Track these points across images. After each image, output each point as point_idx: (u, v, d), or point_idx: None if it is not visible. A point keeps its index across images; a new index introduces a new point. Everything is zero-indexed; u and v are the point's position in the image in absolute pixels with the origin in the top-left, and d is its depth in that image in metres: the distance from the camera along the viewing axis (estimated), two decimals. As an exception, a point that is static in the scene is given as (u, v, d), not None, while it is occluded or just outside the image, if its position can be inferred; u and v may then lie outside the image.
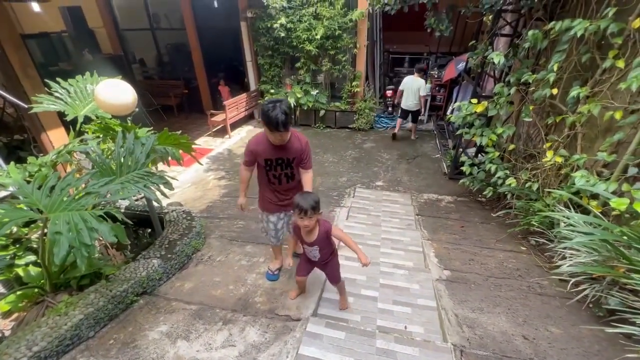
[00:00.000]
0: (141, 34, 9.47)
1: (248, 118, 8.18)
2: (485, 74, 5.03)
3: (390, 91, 7.54)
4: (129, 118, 2.77)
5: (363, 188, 4.88)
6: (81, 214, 1.89)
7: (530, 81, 3.36)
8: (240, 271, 2.93)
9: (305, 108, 7.30)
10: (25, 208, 2.01)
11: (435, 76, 7.59)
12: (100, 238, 2.47)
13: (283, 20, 6.58)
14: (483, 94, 4.53)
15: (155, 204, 2.77)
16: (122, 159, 2.40)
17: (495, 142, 3.80)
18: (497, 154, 3.74)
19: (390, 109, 7.71)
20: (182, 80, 8.82)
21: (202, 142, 7.04)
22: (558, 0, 3.36)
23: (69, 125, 3.04)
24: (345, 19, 6.54)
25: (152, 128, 3.19)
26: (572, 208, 2.80)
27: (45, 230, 2.03)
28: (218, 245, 3.35)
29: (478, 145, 3.98)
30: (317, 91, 7.29)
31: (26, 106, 2.74)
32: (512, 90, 3.53)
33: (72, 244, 1.77)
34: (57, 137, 3.83)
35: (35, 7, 7.11)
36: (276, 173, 2.36)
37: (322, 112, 7.36)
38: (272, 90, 7.55)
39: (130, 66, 9.43)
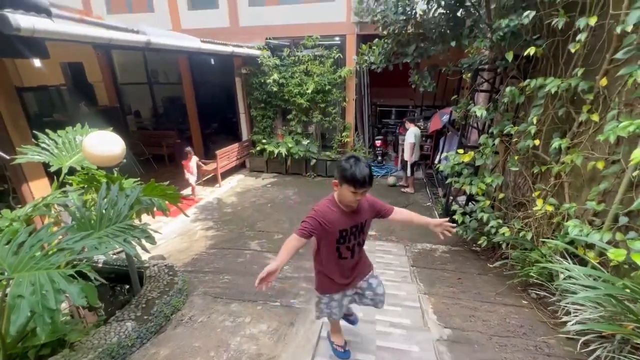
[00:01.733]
0: (138, 87, 9.86)
1: (240, 167, 8.23)
2: (469, 126, 5.28)
3: (379, 141, 7.79)
4: (116, 169, 2.72)
5: (355, 238, 4.75)
6: (49, 273, 1.73)
7: (512, 133, 3.50)
8: (224, 334, 2.67)
9: (297, 157, 7.41)
10: (-12, 267, 1.84)
11: (422, 127, 7.92)
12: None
13: (276, 76, 6.97)
14: (468, 144, 4.69)
15: (135, 259, 2.60)
16: (103, 211, 2.29)
17: (484, 190, 3.83)
18: (487, 202, 3.75)
19: (379, 158, 7.89)
20: (176, 131, 8.99)
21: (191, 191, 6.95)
22: (530, 61, 3.65)
23: (54, 176, 2.96)
24: (335, 75, 6.97)
25: (139, 179, 3.13)
26: (569, 258, 2.74)
27: (7, 292, 1.84)
28: (201, 303, 3.10)
29: (468, 193, 4.01)
30: (308, 141, 7.48)
31: (8, 157, 2.68)
32: (497, 141, 3.66)
33: (34, 308, 1.58)
34: (39, 188, 3.70)
35: (37, 62, 7.40)
36: (350, 245, 1.96)
37: (313, 161, 7.46)
38: (263, 140, 7.71)
39: (125, 117, 9.65)
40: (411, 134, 6.40)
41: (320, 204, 1.93)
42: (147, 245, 2.36)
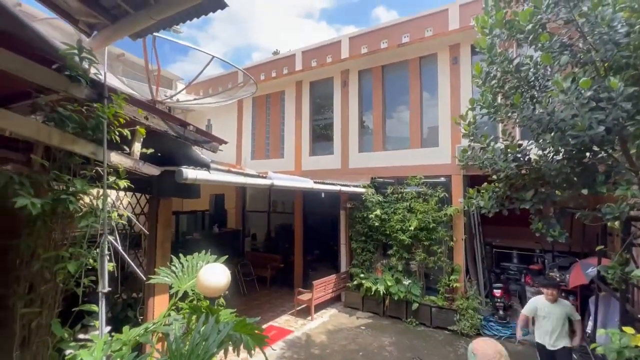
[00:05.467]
0: (260, 214, 11.54)
1: (334, 300, 7.87)
2: (633, 287, 3.95)
3: (499, 290, 6.49)
4: (218, 300, 2.90)
5: None
6: (128, 414, 1.71)
7: None
8: None
9: (396, 298, 6.70)
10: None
11: (557, 277, 6.38)
12: None
13: (378, 212, 7.17)
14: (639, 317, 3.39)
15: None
16: (194, 345, 2.33)
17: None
18: None
19: (501, 312, 6.41)
20: (280, 255, 9.65)
21: (283, 320, 6.80)
22: None
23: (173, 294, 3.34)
24: (440, 213, 6.73)
25: (235, 310, 3.23)
26: None
27: None
28: None
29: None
30: (410, 281, 6.83)
31: (144, 278, 3.22)
32: (692, 324, 2.52)
33: None
34: (160, 303, 4.21)
35: (195, 195, 9.70)
36: None
37: (415, 306, 6.57)
38: (362, 275, 7.41)
39: (244, 239, 11.10)
40: (564, 306, 4.21)
41: None
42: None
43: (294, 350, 5.45)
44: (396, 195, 7.40)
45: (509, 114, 3.81)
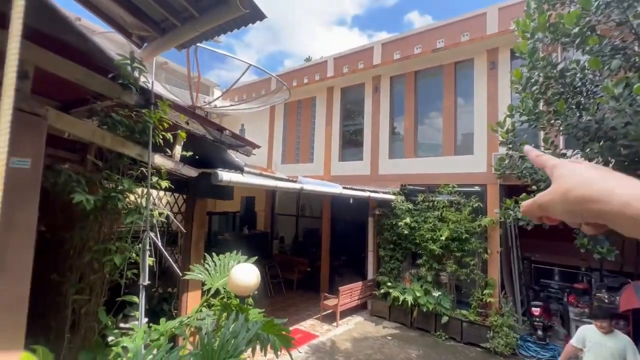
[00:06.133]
0: (288, 218, 11.71)
1: (360, 307, 7.77)
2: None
3: (539, 309, 6.08)
4: (247, 299, 2.98)
5: None
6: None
7: None
8: None
9: (425, 310, 6.50)
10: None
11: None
12: None
13: (408, 220, 7.02)
14: None
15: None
16: (224, 342, 2.42)
17: None
18: None
19: (540, 332, 5.99)
20: (307, 259, 9.71)
21: (308, 325, 6.82)
22: None
23: (206, 290, 3.49)
24: (474, 224, 6.46)
25: (264, 310, 3.31)
26: None
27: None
28: None
29: None
30: (440, 293, 6.59)
31: (180, 274, 3.40)
32: None
33: None
34: (193, 298, 4.41)
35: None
36: None
37: (444, 319, 6.33)
38: (389, 283, 7.27)
39: (272, 241, 11.30)
40: (621, 340, 3.31)
41: None
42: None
43: (318, 356, 5.45)
44: (427, 203, 7.21)
45: (552, 122, 3.61)
